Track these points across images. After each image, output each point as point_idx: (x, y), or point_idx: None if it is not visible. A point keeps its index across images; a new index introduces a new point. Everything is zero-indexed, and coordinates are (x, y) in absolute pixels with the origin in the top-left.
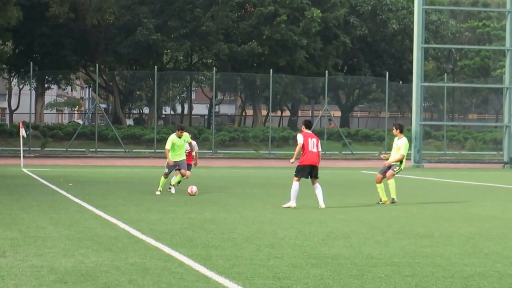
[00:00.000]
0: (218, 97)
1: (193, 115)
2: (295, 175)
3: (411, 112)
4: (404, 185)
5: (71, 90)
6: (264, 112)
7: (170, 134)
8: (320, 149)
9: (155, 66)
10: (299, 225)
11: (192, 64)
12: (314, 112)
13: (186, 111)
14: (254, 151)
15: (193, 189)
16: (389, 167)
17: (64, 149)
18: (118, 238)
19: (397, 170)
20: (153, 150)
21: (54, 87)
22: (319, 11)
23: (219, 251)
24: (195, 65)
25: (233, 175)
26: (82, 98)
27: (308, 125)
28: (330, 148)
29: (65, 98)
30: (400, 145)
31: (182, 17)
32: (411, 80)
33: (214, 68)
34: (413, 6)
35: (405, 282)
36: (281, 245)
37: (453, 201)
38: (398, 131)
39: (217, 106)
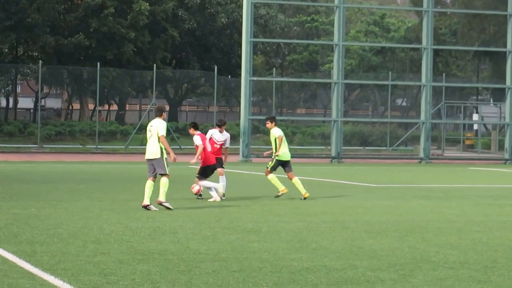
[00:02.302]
0: (44, 91)
1: (18, 108)
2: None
3: (239, 106)
4: (232, 180)
5: None
6: (91, 106)
7: None
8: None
9: None
10: (126, 220)
11: (17, 56)
12: (142, 106)
13: (11, 105)
14: (81, 146)
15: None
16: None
17: None
18: None
19: (269, 164)
20: None
21: None
22: (147, 4)
23: (44, 247)
24: (20, 57)
25: (59, 170)
26: None
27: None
28: None
29: None
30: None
31: (7, 9)
32: (240, 74)
33: (40, 61)
34: (242, 0)
35: (232, 278)
36: (107, 241)
37: (282, 196)
38: (273, 124)
39: (43, 100)
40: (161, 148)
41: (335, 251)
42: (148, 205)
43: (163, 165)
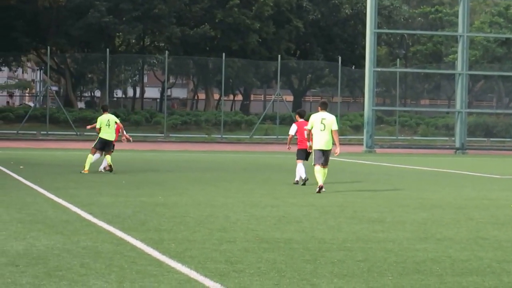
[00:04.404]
0: (170, 81)
1: (145, 98)
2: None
3: (363, 97)
4: (356, 170)
5: (22, 72)
6: (216, 96)
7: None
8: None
9: (107, 49)
10: (251, 209)
11: (144, 47)
12: (267, 96)
13: (138, 95)
14: (206, 135)
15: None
16: None
17: (15, 131)
18: (69, 221)
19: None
20: None
21: (5, 69)
22: None
23: (171, 235)
24: (147, 48)
25: (185, 158)
26: (33, 80)
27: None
28: (283, 133)
29: (16, 80)
30: None
31: (134, 0)
32: (364, 65)
33: (166, 51)
34: None
35: (357, 267)
36: (233, 229)
37: (405, 187)
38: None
39: (169, 90)
40: (333, 141)
41: (459, 242)
42: (322, 187)
43: (329, 158)
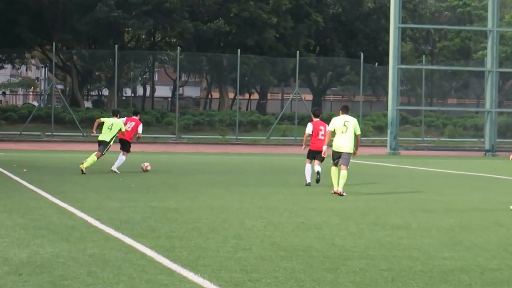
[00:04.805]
0: (182, 79)
1: (156, 97)
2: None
3: (387, 96)
4: (379, 173)
5: (26, 70)
6: (231, 95)
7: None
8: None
9: (116, 45)
10: (268, 214)
11: (155, 43)
12: (284, 95)
13: (148, 93)
14: (220, 136)
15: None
16: None
17: (18, 132)
18: (75, 227)
19: None
20: None
21: (8, 66)
22: None
23: (183, 242)
24: (158, 44)
25: (198, 161)
26: (37, 78)
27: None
28: (301, 134)
29: (20, 78)
30: None
31: None
32: (387, 62)
33: (178, 47)
34: None
35: (381, 277)
36: (249, 236)
37: (432, 191)
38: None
39: (181, 88)
40: (354, 145)
41: (489, 250)
42: (340, 192)
43: (349, 160)
